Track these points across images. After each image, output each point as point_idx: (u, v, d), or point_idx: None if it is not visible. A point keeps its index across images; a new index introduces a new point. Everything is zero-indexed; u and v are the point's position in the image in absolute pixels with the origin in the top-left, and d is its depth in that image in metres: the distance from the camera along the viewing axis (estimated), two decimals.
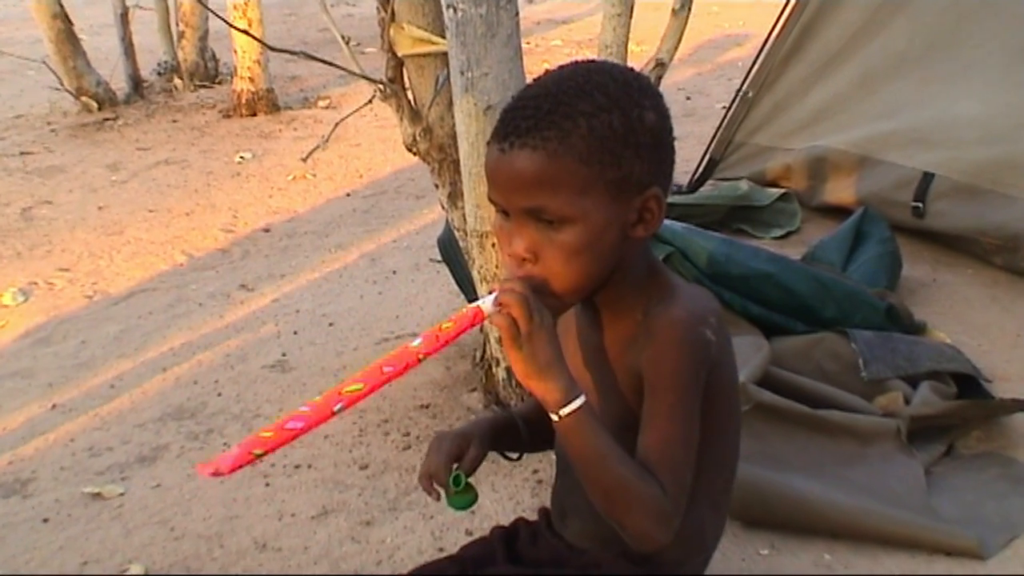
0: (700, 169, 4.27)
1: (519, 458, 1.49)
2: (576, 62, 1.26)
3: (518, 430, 1.47)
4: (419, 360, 1.19)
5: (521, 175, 1.16)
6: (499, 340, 2.43)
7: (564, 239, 1.17)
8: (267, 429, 1.12)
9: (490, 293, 1.22)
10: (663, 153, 1.23)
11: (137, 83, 6.80)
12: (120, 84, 6.72)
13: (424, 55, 2.47)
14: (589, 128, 1.16)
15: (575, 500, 1.40)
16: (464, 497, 1.34)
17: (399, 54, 2.50)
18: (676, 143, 1.27)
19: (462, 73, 2.14)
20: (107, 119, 6.33)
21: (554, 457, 1.49)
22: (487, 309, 1.21)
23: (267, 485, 2.40)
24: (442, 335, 1.20)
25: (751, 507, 2.06)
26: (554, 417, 1.19)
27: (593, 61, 1.27)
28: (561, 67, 1.25)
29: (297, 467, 2.47)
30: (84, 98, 6.43)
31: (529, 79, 1.34)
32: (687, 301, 1.25)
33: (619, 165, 1.17)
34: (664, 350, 1.21)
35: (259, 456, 1.10)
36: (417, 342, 1.20)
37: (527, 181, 1.16)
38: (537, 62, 7.27)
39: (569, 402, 1.18)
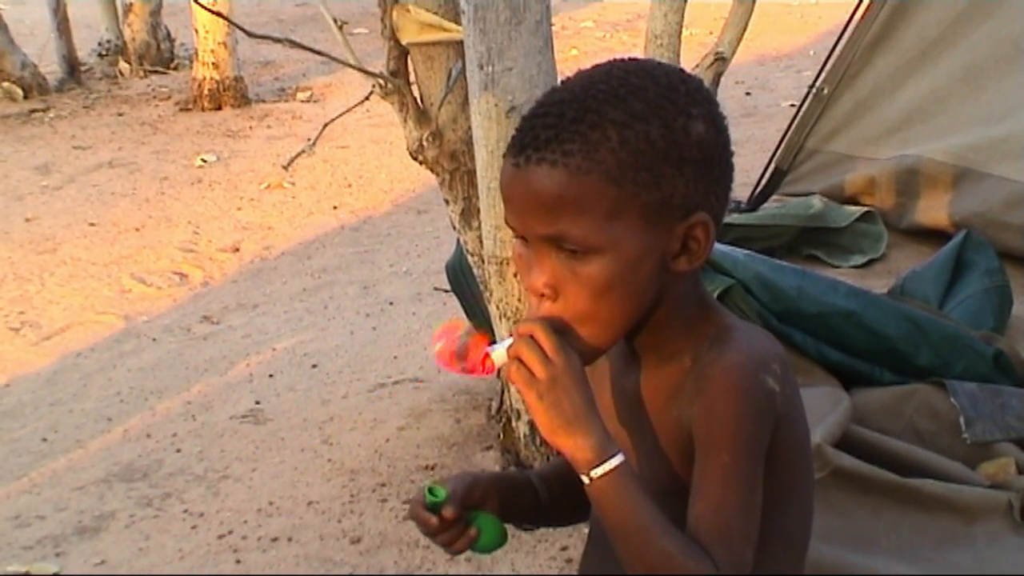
0: (763, 182, 4.31)
1: (533, 528, 1.51)
2: (613, 61, 1.31)
3: (534, 493, 1.50)
4: None
5: (538, 196, 1.20)
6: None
7: (590, 272, 1.21)
8: None
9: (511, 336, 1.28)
10: (715, 171, 1.27)
11: (73, 66, 6.89)
12: (52, 67, 6.79)
13: (434, 44, 2.53)
14: (621, 140, 1.20)
15: None
16: (487, 535, 1.36)
17: (403, 42, 2.56)
18: (734, 152, 1.32)
19: (481, 67, 2.20)
20: (35, 110, 6.41)
21: (586, 530, 1.53)
22: (497, 359, 1.27)
23: (238, 563, 2.45)
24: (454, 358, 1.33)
25: None
26: (585, 479, 1.24)
27: (634, 60, 1.32)
28: (595, 67, 1.30)
29: (275, 540, 2.51)
30: (5, 84, 6.53)
31: (560, 73, 1.38)
32: (745, 344, 1.29)
33: (658, 185, 1.22)
34: (718, 402, 1.25)
35: None
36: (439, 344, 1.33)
37: (545, 203, 1.20)
38: (564, 47, 7.35)
39: (604, 461, 1.22)
